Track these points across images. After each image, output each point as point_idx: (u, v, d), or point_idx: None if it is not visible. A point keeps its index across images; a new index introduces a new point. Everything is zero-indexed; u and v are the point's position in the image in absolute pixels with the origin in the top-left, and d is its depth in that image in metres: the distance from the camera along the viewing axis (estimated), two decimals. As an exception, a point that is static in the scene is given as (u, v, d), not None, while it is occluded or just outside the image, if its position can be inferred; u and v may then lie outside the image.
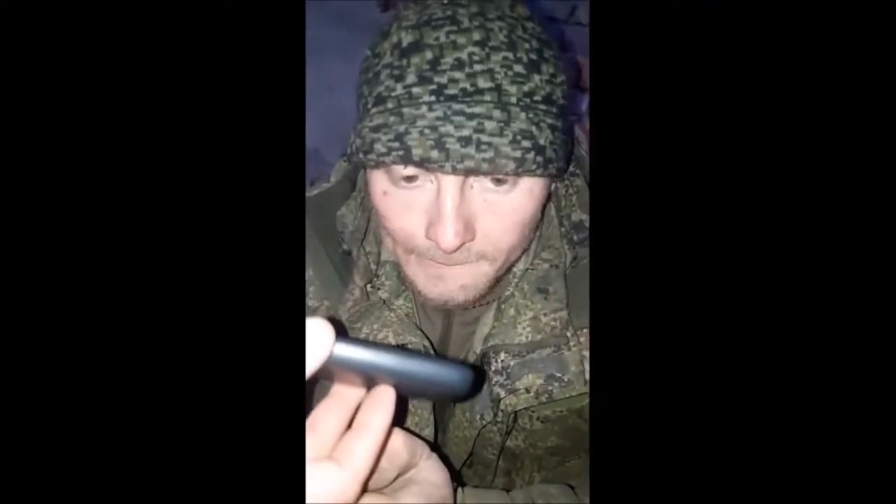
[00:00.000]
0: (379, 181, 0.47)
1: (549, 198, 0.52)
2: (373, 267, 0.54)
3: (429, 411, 0.53)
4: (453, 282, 0.49)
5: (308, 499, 0.27)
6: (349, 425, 0.30)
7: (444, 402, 0.56)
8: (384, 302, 0.54)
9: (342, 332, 0.28)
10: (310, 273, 0.55)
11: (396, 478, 0.36)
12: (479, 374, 0.49)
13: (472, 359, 0.55)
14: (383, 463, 0.35)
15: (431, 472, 0.38)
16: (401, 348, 0.32)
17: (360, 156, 0.45)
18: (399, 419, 0.32)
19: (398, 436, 0.35)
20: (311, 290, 0.55)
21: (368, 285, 0.54)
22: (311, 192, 0.60)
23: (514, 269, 0.53)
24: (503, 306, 0.53)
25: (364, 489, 0.30)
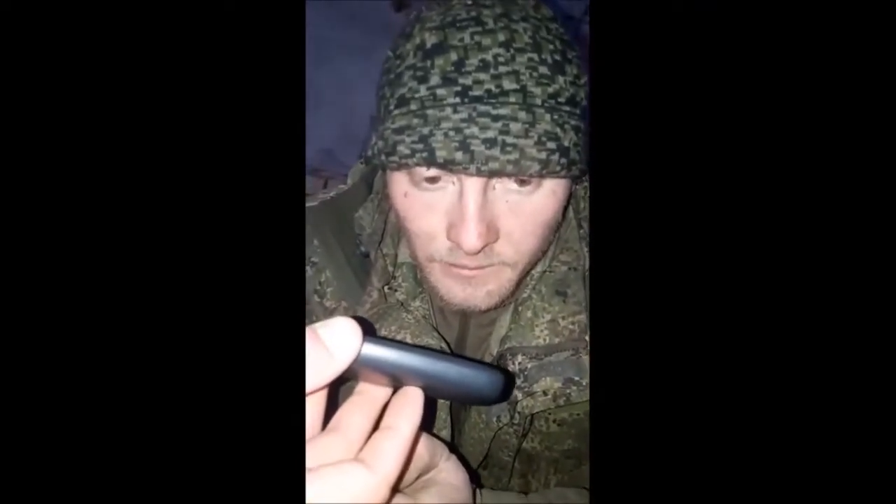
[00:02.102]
0: (400, 183, 0.47)
1: (568, 200, 0.52)
2: (390, 269, 0.54)
3: (445, 412, 0.53)
4: (479, 288, 0.48)
5: (336, 501, 0.26)
6: (376, 425, 0.30)
7: (459, 404, 0.56)
8: (401, 304, 0.54)
9: (369, 332, 0.28)
10: (328, 275, 0.55)
11: (417, 479, 0.36)
12: (509, 378, 0.49)
13: (488, 360, 0.55)
14: None
15: (451, 473, 0.37)
16: (430, 349, 0.31)
17: (382, 157, 0.45)
18: (426, 421, 0.31)
19: (419, 437, 0.35)
20: (328, 291, 0.55)
21: (386, 287, 0.54)
22: (327, 195, 0.60)
23: (532, 272, 0.53)
24: (520, 308, 0.53)
25: (392, 493, 0.30)
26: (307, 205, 0.58)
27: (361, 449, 0.28)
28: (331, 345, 0.26)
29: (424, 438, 0.35)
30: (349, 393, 0.31)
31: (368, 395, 0.30)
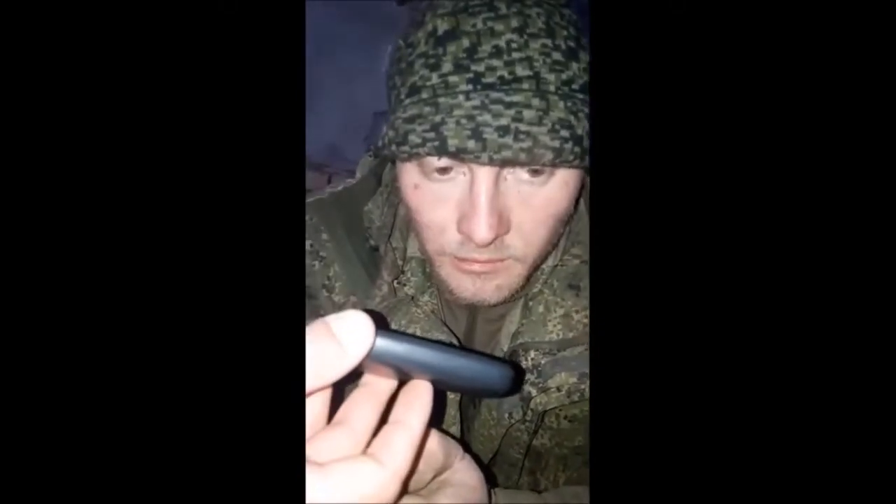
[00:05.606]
0: (410, 174, 0.46)
1: (580, 191, 0.51)
2: (399, 263, 0.54)
3: (455, 409, 0.52)
4: (489, 282, 0.48)
5: (347, 499, 0.25)
6: (383, 419, 0.29)
7: (469, 399, 0.55)
8: (411, 298, 0.53)
9: (380, 325, 0.27)
10: (336, 269, 0.54)
11: (432, 479, 0.35)
12: (519, 371, 0.48)
13: (499, 356, 0.54)
14: (419, 465, 0.34)
15: (466, 473, 0.37)
16: (440, 343, 0.30)
17: (393, 148, 0.44)
18: (435, 415, 0.30)
19: (433, 436, 0.35)
20: (337, 285, 0.54)
21: (395, 281, 0.53)
22: (335, 188, 0.59)
23: (543, 266, 0.52)
24: (531, 303, 0.52)
25: (404, 490, 0.29)
26: (316, 197, 0.58)
27: (369, 443, 0.27)
28: (343, 339, 0.25)
29: (439, 438, 0.34)
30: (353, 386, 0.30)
31: (374, 387, 0.29)
